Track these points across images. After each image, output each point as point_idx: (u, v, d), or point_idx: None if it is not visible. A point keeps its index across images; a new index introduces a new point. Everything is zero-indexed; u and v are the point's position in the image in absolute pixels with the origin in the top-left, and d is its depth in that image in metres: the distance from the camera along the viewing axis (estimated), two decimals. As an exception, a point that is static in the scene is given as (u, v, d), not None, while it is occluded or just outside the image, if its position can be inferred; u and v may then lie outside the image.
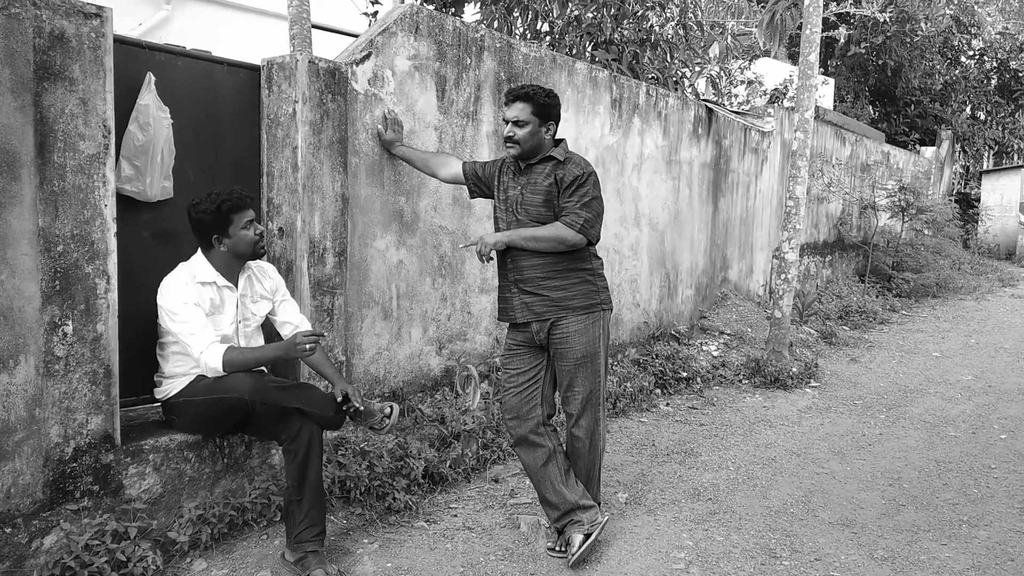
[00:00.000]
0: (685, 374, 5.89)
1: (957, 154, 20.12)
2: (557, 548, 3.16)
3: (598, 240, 3.18)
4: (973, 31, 18.67)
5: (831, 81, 16.29)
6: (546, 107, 3.11)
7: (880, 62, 17.52)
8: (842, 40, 16.41)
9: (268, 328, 3.25)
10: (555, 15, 7.09)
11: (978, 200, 19.05)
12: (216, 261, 2.97)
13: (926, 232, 13.11)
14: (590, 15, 7.14)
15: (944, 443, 4.79)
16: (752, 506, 3.75)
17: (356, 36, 6.35)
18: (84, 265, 2.72)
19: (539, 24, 7.17)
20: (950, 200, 15.40)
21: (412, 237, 4.14)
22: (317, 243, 3.56)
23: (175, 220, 3.21)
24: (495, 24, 6.81)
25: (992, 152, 22.68)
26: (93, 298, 2.75)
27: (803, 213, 6.64)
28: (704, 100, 7.41)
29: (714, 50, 9.95)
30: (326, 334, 3.56)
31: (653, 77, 7.45)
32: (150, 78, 3.09)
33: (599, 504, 3.36)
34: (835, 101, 17.21)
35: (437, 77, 4.21)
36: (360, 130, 3.79)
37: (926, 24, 17.04)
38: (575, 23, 7.10)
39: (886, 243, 11.74)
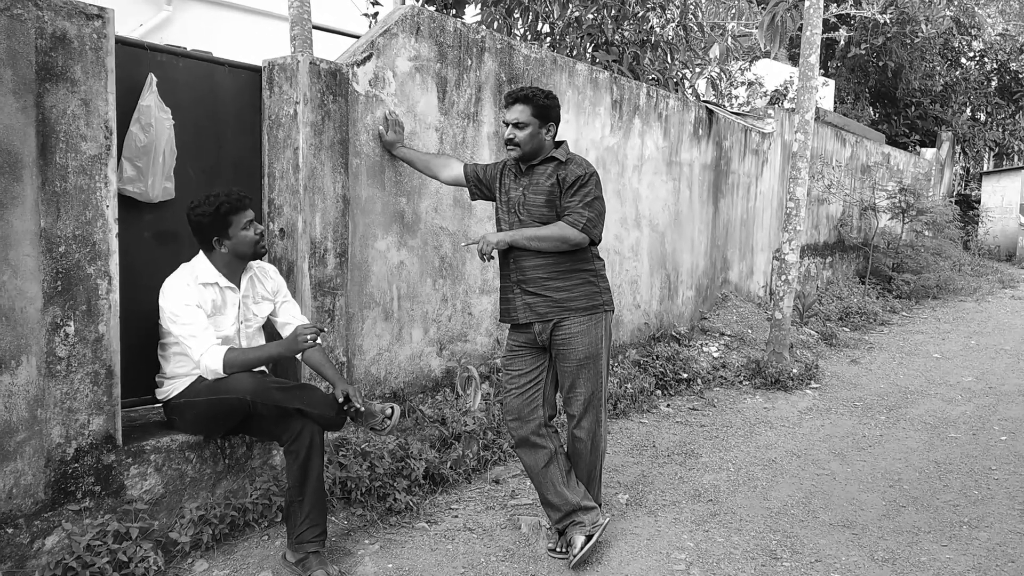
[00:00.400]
0: (686, 375, 5.89)
1: (957, 155, 20.14)
2: (558, 549, 3.16)
3: (600, 240, 3.19)
4: (973, 33, 18.69)
5: (831, 82, 16.30)
6: (546, 108, 3.11)
7: (880, 63, 17.53)
8: (842, 41, 16.43)
9: (269, 329, 3.25)
10: (555, 16, 7.09)
11: (978, 201, 19.07)
12: (218, 262, 2.98)
13: (926, 233, 13.12)
14: (591, 16, 7.14)
15: (945, 444, 4.79)
16: (753, 507, 3.75)
17: (357, 37, 6.37)
18: (86, 266, 2.72)
19: (540, 25, 7.16)
20: (950, 201, 15.42)
21: (413, 238, 4.14)
22: (318, 244, 3.56)
23: (177, 221, 3.21)
24: (495, 25, 6.81)
25: (992, 153, 22.71)
26: (95, 299, 2.75)
27: (803, 214, 6.64)
28: (705, 101, 7.41)
29: (715, 51, 9.96)
30: (326, 328, 3.56)
31: (653, 78, 7.46)
32: (152, 79, 3.09)
33: (600, 505, 3.36)
34: (835, 102, 17.23)
35: (438, 78, 4.21)
36: (361, 131, 3.79)
37: (926, 26, 17.05)
38: (576, 24, 7.10)
39: (886, 244, 11.74)
